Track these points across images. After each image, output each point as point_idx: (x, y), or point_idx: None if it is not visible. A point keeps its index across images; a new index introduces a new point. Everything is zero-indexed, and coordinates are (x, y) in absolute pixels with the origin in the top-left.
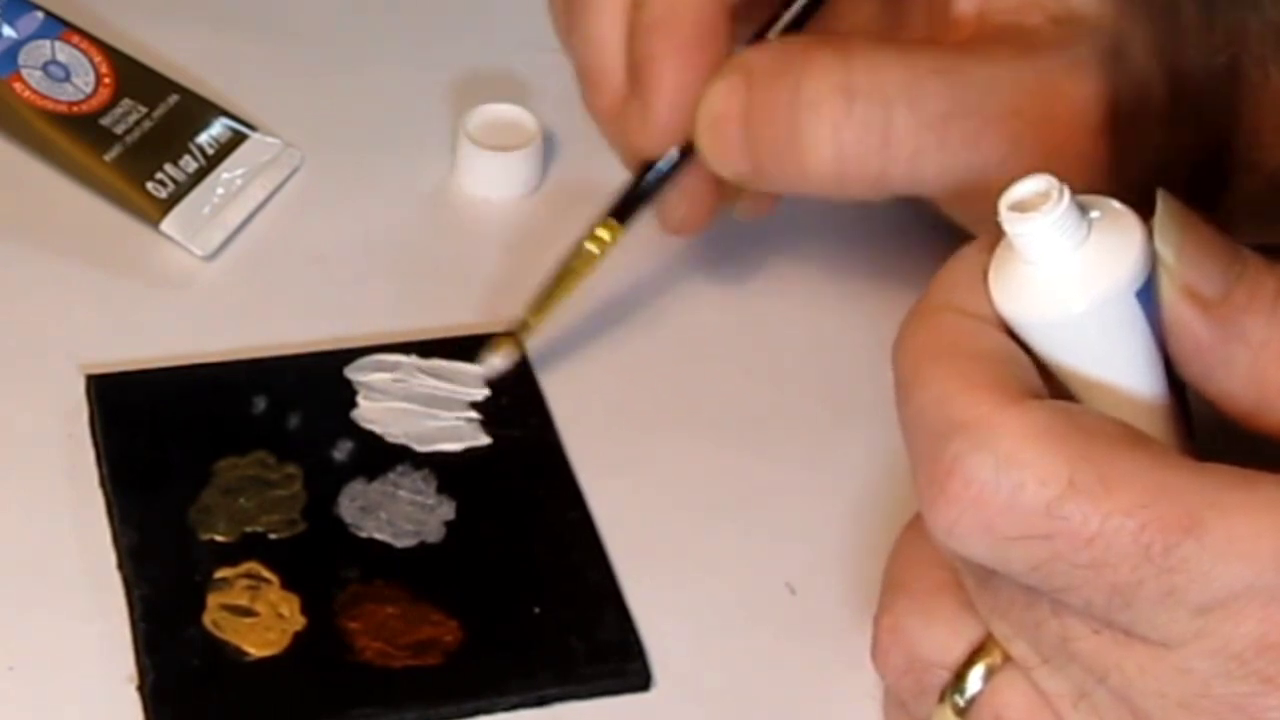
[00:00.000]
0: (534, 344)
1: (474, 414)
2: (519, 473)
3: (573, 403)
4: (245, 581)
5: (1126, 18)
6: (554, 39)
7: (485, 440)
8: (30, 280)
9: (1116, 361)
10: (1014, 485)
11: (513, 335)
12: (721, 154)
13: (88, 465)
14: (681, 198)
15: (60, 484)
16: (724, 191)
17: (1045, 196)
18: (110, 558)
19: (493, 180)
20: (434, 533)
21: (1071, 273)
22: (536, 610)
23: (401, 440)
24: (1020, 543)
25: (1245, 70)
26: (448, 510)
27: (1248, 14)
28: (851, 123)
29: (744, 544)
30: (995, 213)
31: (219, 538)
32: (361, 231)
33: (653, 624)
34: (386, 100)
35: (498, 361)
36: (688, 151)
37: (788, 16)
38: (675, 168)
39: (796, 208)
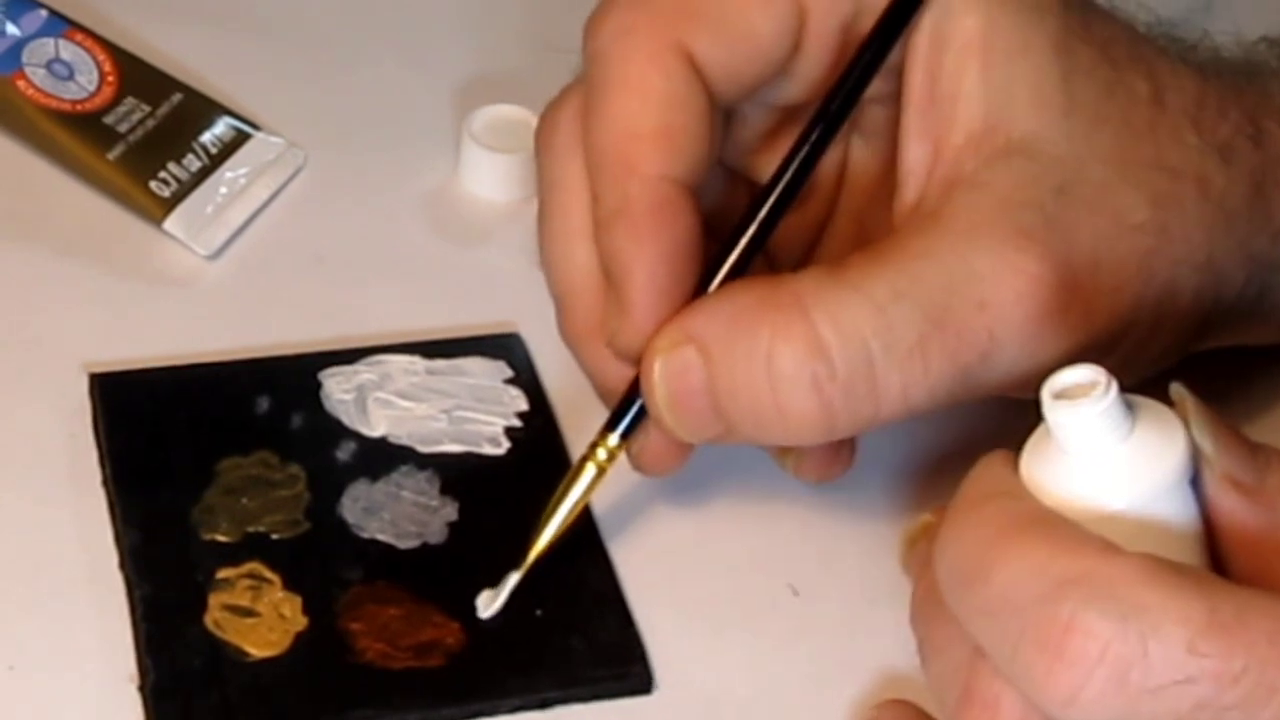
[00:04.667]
0: (539, 347)
1: (495, 420)
2: (522, 475)
3: (576, 405)
4: (247, 582)
5: (1079, 131)
6: (559, 39)
7: (500, 449)
8: (33, 279)
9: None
10: (1147, 629)
11: (513, 572)
12: (687, 426)
13: (90, 465)
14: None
15: (62, 483)
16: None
17: (1092, 386)
18: (112, 557)
19: (496, 182)
20: (437, 534)
21: (1114, 466)
22: (538, 613)
23: (404, 441)
24: (1160, 694)
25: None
26: (451, 512)
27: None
28: (836, 381)
29: (746, 545)
30: (1039, 400)
31: (221, 538)
32: (365, 231)
33: (654, 626)
34: (390, 100)
35: (495, 601)
36: None
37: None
38: None
39: None
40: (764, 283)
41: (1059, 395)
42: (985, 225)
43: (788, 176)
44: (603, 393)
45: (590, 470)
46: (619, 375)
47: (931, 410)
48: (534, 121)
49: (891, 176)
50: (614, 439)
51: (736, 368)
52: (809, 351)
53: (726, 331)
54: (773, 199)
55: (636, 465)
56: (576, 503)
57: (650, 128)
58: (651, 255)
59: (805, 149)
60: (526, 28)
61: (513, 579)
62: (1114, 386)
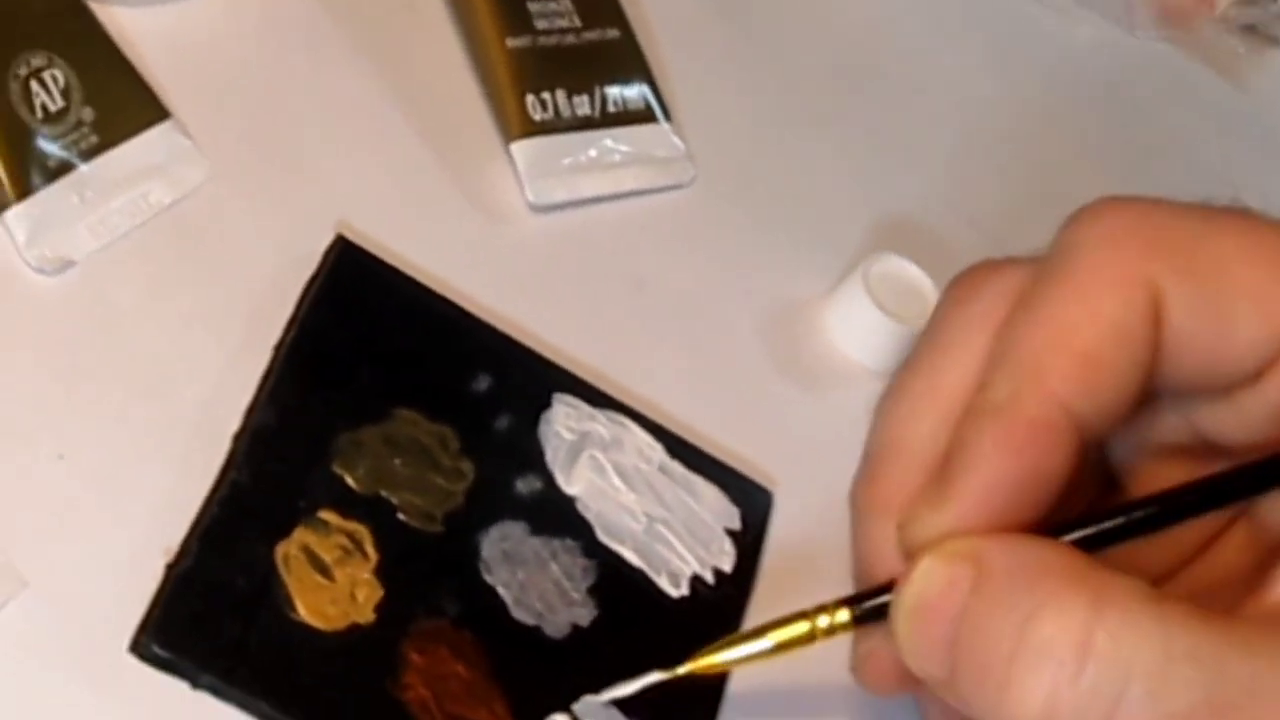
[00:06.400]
0: (779, 518)
1: (690, 561)
2: (680, 629)
3: (777, 596)
4: (343, 540)
5: None
6: (998, 229)
7: (676, 591)
8: (349, 108)
9: None
10: None
11: (657, 671)
12: (915, 645)
13: (277, 321)
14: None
15: (236, 320)
16: None
17: None
18: (232, 424)
19: (858, 336)
20: (557, 628)
21: None
22: None
23: (589, 516)
24: None
25: None
26: (584, 615)
27: None
28: (1076, 688)
29: None
30: None
31: (350, 480)
32: (699, 291)
33: None
34: (807, 182)
35: (623, 689)
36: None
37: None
38: None
39: None
40: (1083, 560)
41: None
42: None
43: (1174, 509)
44: (860, 572)
45: (801, 628)
46: (887, 563)
47: None
48: (929, 295)
49: (1242, 539)
50: (844, 615)
51: (996, 610)
52: (1071, 642)
53: (1013, 573)
54: (1135, 517)
55: (855, 669)
56: (767, 649)
57: (1081, 349)
58: (1005, 470)
59: (1209, 501)
60: (986, 203)
61: (653, 676)
62: None
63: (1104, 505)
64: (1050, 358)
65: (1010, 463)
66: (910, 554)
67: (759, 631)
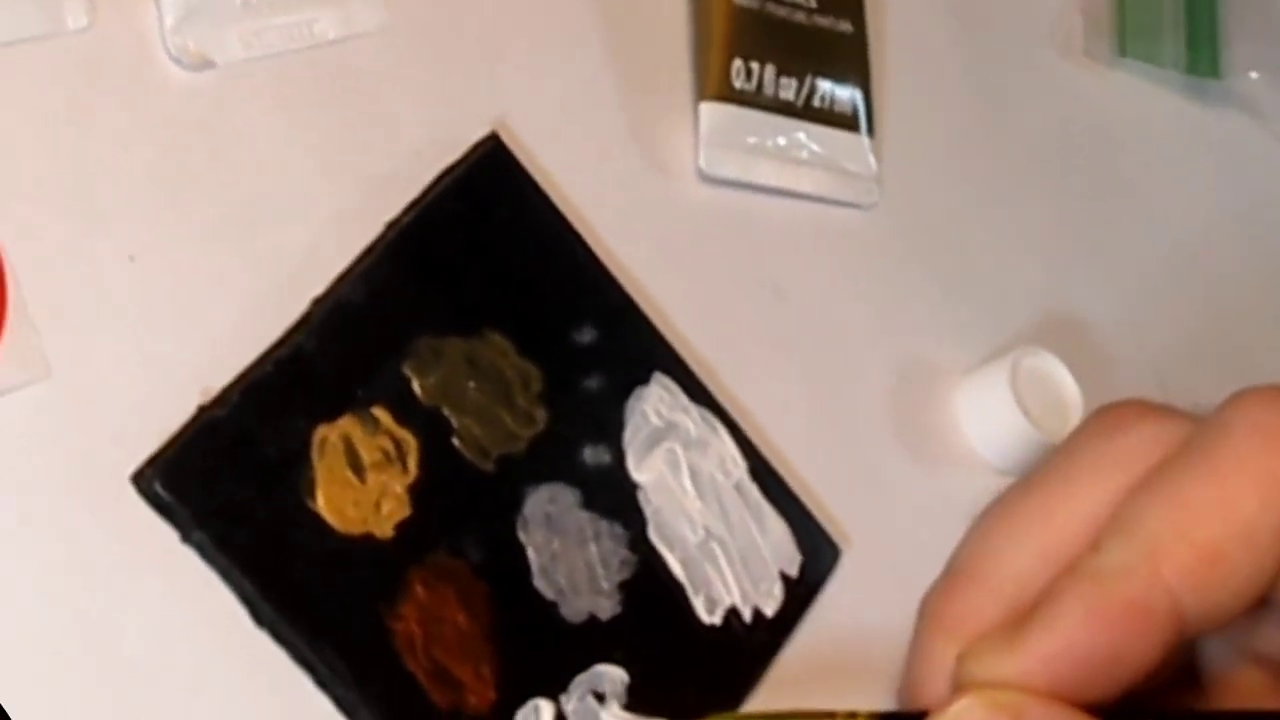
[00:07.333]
0: (839, 582)
1: (734, 591)
2: (700, 659)
3: (823, 657)
4: (387, 444)
5: None
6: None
7: (709, 618)
8: (547, 9)
9: None
10: None
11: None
12: None
13: (400, 197)
14: None
15: (359, 181)
16: None
17: None
18: (318, 286)
19: (989, 428)
20: (574, 611)
21: None
22: None
23: (646, 509)
24: None
25: None
26: (607, 607)
27: None
28: None
29: None
30: None
31: (416, 385)
32: (843, 319)
33: None
34: (983, 254)
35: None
36: None
37: None
38: None
39: None
40: None
41: None
42: None
43: None
44: (906, 682)
45: None
46: (935, 684)
47: None
48: (1074, 409)
49: None
50: None
51: None
52: None
53: None
54: None
55: None
56: None
57: (1204, 541)
58: (1088, 642)
59: None
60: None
61: None
62: None
63: (1176, 701)
64: (1170, 542)
65: (1096, 636)
66: (960, 686)
67: (780, 718)
